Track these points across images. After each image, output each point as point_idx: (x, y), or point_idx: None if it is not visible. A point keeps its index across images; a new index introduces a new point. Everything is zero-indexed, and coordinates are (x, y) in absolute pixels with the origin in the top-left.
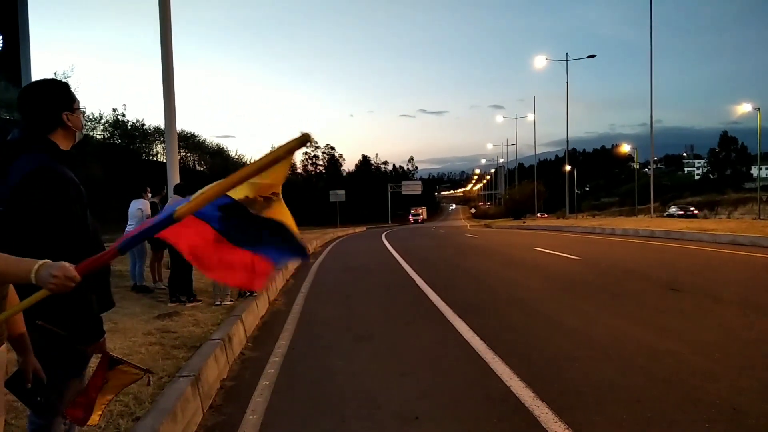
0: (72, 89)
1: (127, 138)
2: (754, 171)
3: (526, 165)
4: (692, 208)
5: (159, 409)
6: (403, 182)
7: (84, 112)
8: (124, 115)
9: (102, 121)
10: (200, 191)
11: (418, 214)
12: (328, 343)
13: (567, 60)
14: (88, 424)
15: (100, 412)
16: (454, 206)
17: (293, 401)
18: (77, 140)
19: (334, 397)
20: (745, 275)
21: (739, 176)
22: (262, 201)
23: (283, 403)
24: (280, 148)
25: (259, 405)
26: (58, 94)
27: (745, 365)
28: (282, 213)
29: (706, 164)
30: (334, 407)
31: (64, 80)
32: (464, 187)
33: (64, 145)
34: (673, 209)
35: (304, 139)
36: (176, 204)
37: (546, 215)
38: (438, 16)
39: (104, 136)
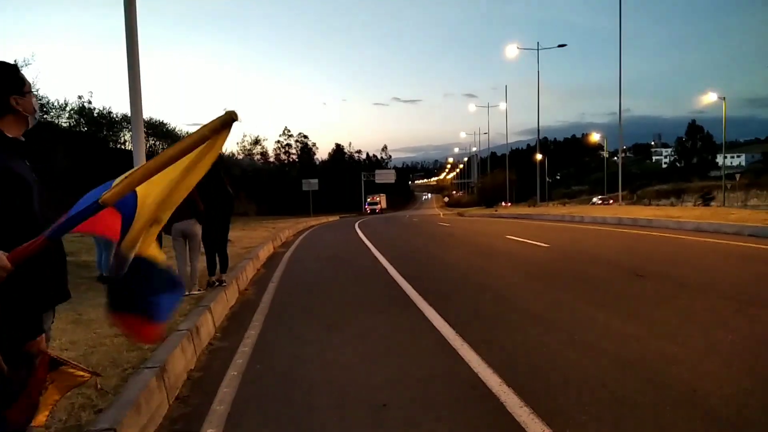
0: (20, 71)
1: (94, 125)
2: (720, 159)
3: (499, 154)
4: (610, 200)
5: (122, 401)
6: (377, 171)
7: (36, 96)
8: (90, 102)
9: (67, 108)
10: (124, 175)
11: (376, 203)
12: (298, 332)
13: (538, 49)
14: (34, 425)
15: (47, 412)
16: (428, 195)
17: (261, 391)
18: (31, 125)
19: (303, 386)
20: (708, 261)
21: (705, 164)
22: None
23: (251, 394)
24: (204, 127)
25: (226, 395)
26: (4, 78)
27: (706, 348)
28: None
29: (673, 153)
30: (303, 396)
31: (12, 63)
32: (438, 175)
33: (14, 131)
34: (595, 199)
35: (228, 118)
36: (100, 189)
37: (510, 204)
38: (410, 4)
39: (70, 123)
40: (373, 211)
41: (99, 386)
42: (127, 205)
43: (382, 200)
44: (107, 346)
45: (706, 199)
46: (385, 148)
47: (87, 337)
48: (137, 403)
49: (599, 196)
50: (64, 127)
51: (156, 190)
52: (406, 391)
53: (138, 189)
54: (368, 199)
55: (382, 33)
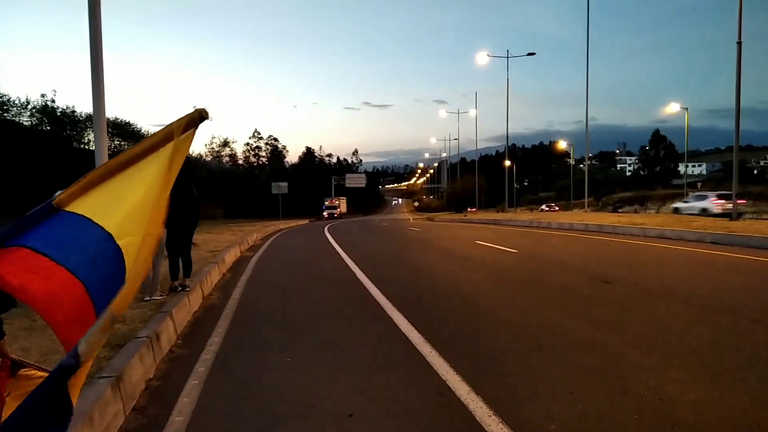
0: None
1: (58, 125)
2: (682, 168)
3: (468, 159)
4: (555, 207)
5: (74, 413)
6: (347, 175)
7: None
8: (53, 101)
9: (29, 106)
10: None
11: (335, 207)
12: (263, 339)
13: (508, 57)
14: None
15: None
16: (399, 200)
17: (223, 401)
18: None
19: (267, 395)
20: (672, 268)
21: (667, 173)
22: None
23: (212, 403)
24: (171, 124)
25: (186, 406)
26: None
27: (672, 355)
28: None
29: (637, 161)
30: (267, 406)
31: None
32: (408, 180)
33: None
34: (543, 206)
35: (197, 116)
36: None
37: (475, 209)
38: (382, 10)
39: (32, 122)
40: (331, 216)
41: None
42: (102, 268)
43: (341, 204)
44: (61, 354)
45: (616, 208)
46: (356, 152)
47: (41, 345)
48: (90, 415)
49: (546, 204)
50: (26, 125)
51: (144, 223)
52: (373, 400)
53: (122, 243)
54: (326, 203)
55: (354, 37)
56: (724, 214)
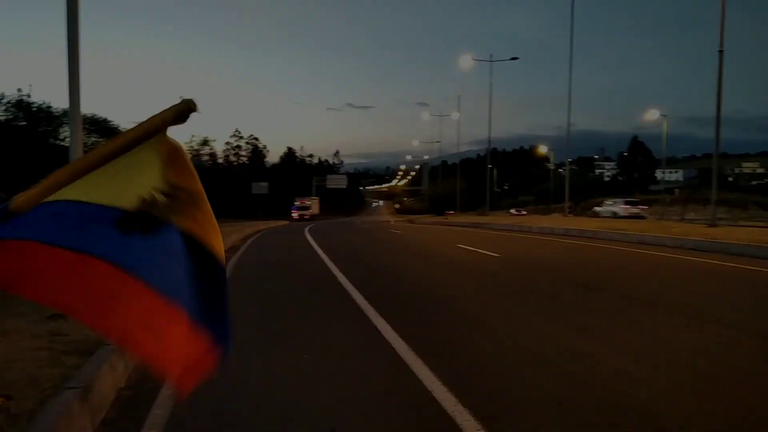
0: None
1: (33, 120)
2: (659, 174)
3: (450, 162)
4: (523, 211)
5: (36, 428)
6: (328, 176)
7: None
8: (29, 96)
9: (4, 101)
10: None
11: (306, 207)
12: (240, 346)
13: (491, 61)
14: None
15: None
16: (380, 202)
17: (198, 413)
18: None
19: (244, 407)
20: (655, 274)
21: (645, 179)
22: (166, 201)
23: (186, 416)
24: (155, 116)
25: (158, 418)
26: None
27: (660, 365)
28: (203, 223)
29: (615, 166)
30: (244, 419)
31: None
32: (389, 182)
33: None
34: (512, 210)
35: (185, 108)
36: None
37: (454, 212)
38: (366, 11)
39: (6, 117)
40: (302, 217)
41: (10, 410)
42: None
43: (314, 204)
44: (26, 361)
45: (570, 211)
46: (337, 153)
47: (4, 351)
48: (54, 429)
49: (515, 209)
50: (1, 120)
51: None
52: (355, 413)
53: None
54: (296, 203)
55: (338, 38)
56: (631, 217)
